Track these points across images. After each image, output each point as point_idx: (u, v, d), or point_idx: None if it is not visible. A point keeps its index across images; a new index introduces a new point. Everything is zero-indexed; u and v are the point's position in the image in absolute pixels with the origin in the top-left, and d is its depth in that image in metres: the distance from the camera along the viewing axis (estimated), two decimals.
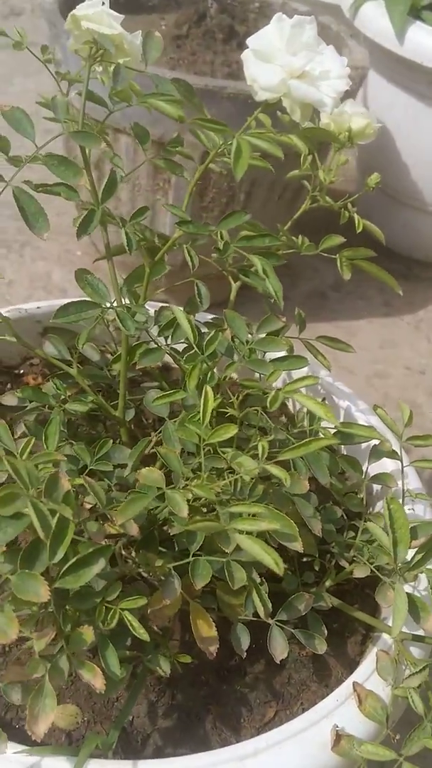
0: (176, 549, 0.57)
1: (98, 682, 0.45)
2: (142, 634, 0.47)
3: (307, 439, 0.53)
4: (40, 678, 0.45)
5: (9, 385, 0.80)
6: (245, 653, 0.58)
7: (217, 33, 1.39)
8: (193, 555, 0.53)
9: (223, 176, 1.29)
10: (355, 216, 0.77)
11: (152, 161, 0.68)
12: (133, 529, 0.50)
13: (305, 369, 0.78)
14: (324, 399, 0.80)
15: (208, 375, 0.58)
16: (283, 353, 0.66)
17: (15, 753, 0.48)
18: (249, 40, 0.55)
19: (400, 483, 0.67)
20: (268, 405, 0.56)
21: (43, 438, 0.58)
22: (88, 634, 0.46)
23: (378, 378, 1.57)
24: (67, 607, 0.47)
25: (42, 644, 0.46)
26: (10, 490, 0.42)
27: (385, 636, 0.61)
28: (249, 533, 0.49)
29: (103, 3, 0.68)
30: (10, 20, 2.67)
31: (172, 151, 0.66)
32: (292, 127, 0.60)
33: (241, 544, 0.47)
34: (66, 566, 0.45)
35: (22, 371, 0.82)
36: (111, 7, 1.46)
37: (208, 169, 0.64)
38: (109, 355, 0.74)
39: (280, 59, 0.53)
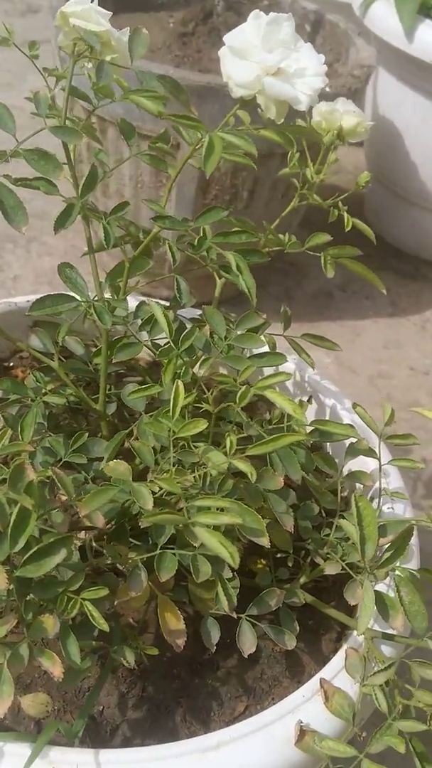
0: (149, 542, 0.57)
1: (56, 671, 0.46)
2: (102, 624, 0.48)
3: (276, 435, 0.54)
4: (0, 666, 0.46)
5: None
6: (215, 647, 0.58)
7: (222, 30, 1.39)
8: (163, 548, 0.53)
9: (225, 174, 1.30)
10: (345, 214, 0.77)
11: (139, 155, 0.69)
12: (99, 521, 0.50)
13: (289, 365, 0.78)
14: (310, 397, 0.80)
15: (183, 369, 0.59)
16: (264, 349, 0.67)
17: None
18: (226, 37, 0.55)
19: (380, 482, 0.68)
20: (236, 401, 0.56)
21: (19, 429, 0.59)
22: (49, 622, 0.47)
23: (381, 378, 1.56)
24: (30, 595, 0.48)
25: (2, 631, 0.46)
26: None
27: (357, 635, 0.61)
28: (215, 527, 0.49)
29: (92, 0, 0.68)
30: (27, 17, 2.69)
31: (155, 147, 0.66)
32: (270, 124, 0.60)
33: (200, 537, 0.48)
34: (27, 555, 0.46)
35: (11, 364, 0.83)
36: (119, 7, 1.48)
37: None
38: (93, 350, 0.75)
39: (255, 56, 0.54)
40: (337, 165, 2.17)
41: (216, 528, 0.48)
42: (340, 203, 0.77)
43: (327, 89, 1.24)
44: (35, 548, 0.46)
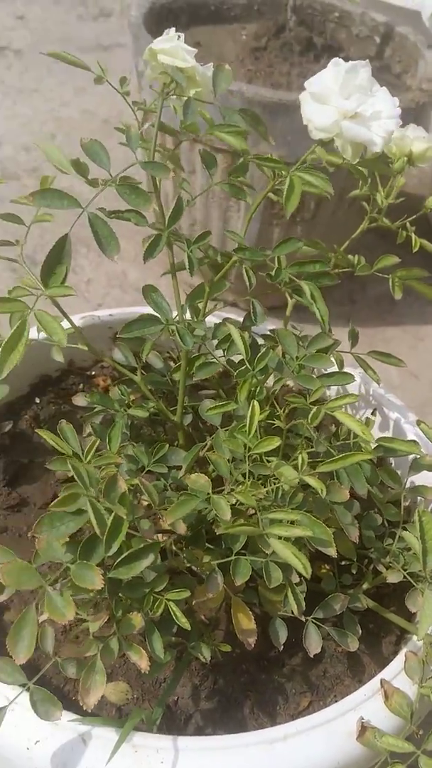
0: (223, 547, 0.62)
1: (143, 664, 0.51)
2: (184, 623, 0.53)
3: (345, 454, 0.58)
4: (93, 656, 0.51)
5: (81, 386, 0.87)
6: (282, 646, 0.63)
7: (294, 45, 1.43)
8: (237, 554, 0.58)
9: None
10: (413, 236, 0.80)
11: (219, 185, 0.73)
12: (181, 528, 0.55)
13: (356, 383, 0.82)
14: (374, 410, 0.84)
15: (257, 389, 0.63)
16: (333, 368, 0.71)
17: (69, 720, 0.55)
18: (307, 83, 0.59)
19: None
20: (309, 420, 0.60)
21: (107, 440, 0.64)
22: (137, 619, 0.52)
23: None
24: (120, 594, 0.53)
25: (96, 626, 0.52)
26: (73, 490, 0.48)
27: (416, 639, 0.65)
28: (285, 538, 0.54)
29: (179, 37, 0.73)
30: (99, 21, 2.76)
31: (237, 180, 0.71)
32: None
33: (275, 548, 0.52)
34: (119, 559, 0.51)
35: (93, 373, 0.89)
36: (194, 20, 1.54)
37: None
38: (171, 363, 0.80)
39: (334, 101, 0.58)
40: (419, 172, 2.18)
41: (287, 539, 0.53)
42: (407, 224, 0.81)
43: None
44: (126, 553, 0.51)
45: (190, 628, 0.53)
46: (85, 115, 2.17)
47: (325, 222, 1.42)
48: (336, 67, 0.58)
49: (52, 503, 0.49)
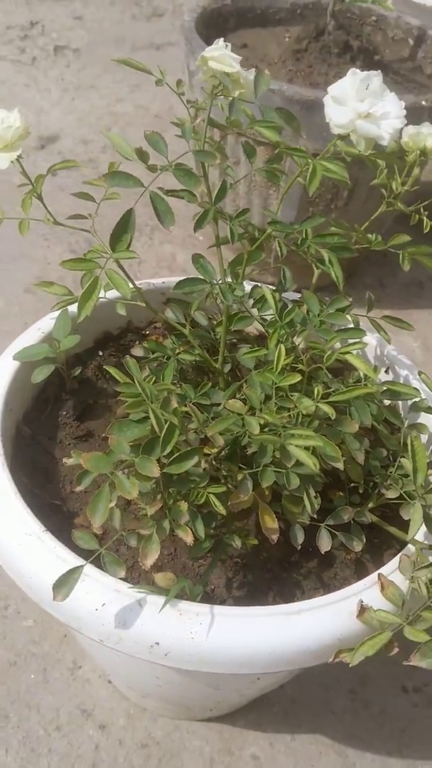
0: (253, 467, 0.77)
1: (189, 538, 0.66)
2: (221, 509, 0.68)
3: (352, 387, 0.72)
4: (150, 532, 0.67)
5: (137, 342, 1.02)
6: (299, 546, 0.77)
7: (332, 47, 1.56)
8: (263, 467, 0.72)
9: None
10: (424, 219, 0.94)
11: (258, 171, 0.88)
12: (220, 441, 0.70)
13: (371, 342, 0.96)
14: (387, 368, 0.97)
15: (284, 338, 0.78)
16: (349, 326, 0.85)
17: (129, 588, 0.70)
18: (329, 88, 0.73)
19: None
20: (324, 360, 0.75)
21: (161, 377, 0.79)
22: (184, 506, 0.67)
23: None
24: (171, 488, 0.68)
25: (152, 510, 0.67)
26: (138, 399, 0.64)
27: (411, 547, 0.79)
28: (303, 448, 0.68)
29: (226, 46, 0.87)
30: (153, 21, 2.91)
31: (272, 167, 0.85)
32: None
33: (291, 451, 0.67)
34: (172, 458, 0.66)
35: (147, 332, 1.04)
36: (241, 23, 1.72)
37: None
38: (215, 323, 0.95)
39: (350, 104, 0.72)
40: (430, 163, 2.30)
41: (305, 448, 0.67)
42: (421, 209, 0.94)
43: (424, 102, 1.41)
44: (177, 453, 0.66)
45: (225, 513, 0.68)
46: (139, 111, 2.33)
47: (357, 210, 1.56)
48: (353, 75, 0.72)
49: (124, 406, 0.64)
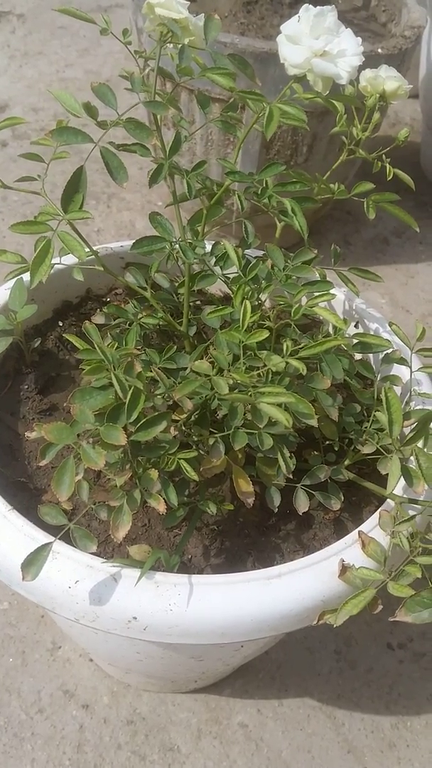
0: (224, 430, 0.74)
1: (161, 507, 0.63)
2: (193, 475, 0.65)
3: (322, 340, 0.69)
4: (121, 503, 0.64)
5: (98, 310, 0.98)
6: (276, 508, 0.75)
7: None
8: (235, 429, 0.70)
9: (286, 132, 1.43)
10: (387, 166, 0.90)
11: (213, 122, 0.84)
12: (188, 405, 0.67)
13: (339, 296, 0.93)
14: (357, 323, 0.95)
15: (249, 294, 0.74)
16: (315, 278, 0.82)
17: (102, 563, 0.67)
18: (282, 26, 0.70)
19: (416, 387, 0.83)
20: (291, 314, 0.72)
21: (124, 342, 0.76)
22: (154, 474, 0.64)
23: None
24: (140, 456, 0.65)
25: (121, 481, 0.64)
26: (99, 364, 0.60)
27: (390, 503, 0.77)
28: (275, 405, 0.65)
29: None
30: None
31: (227, 116, 0.81)
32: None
33: (263, 409, 0.64)
34: (139, 425, 0.63)
35: (108, 299, 1.01)
36: None
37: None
38: (177, 285, 0.91)
39: (305, 42, 0.68)
40: (395, 117, 2.27)
41: (276, 405, 0.65)
42: (383, 156, 0.91)
43: (380, 50, 1.37)
44: (144, 420, 0.63)
45: (198, 479, 0.65)
46: (89, 76, 2.26)
47: (317, 166, 1.52)
48: (306, 12, 0.68)
49: (82, 372, 0.61)
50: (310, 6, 0.69)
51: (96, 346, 0.62)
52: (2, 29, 2.48)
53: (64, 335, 0.92)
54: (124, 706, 1.03)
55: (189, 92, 1.41)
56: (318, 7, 0.68)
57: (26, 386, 0.88)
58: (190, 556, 0.76)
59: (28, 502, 0.76)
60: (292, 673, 1.10)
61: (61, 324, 0.96)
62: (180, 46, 0.78)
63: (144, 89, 0.80)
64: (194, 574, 0.69)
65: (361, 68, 0.76)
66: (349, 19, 1.61)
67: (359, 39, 0.70)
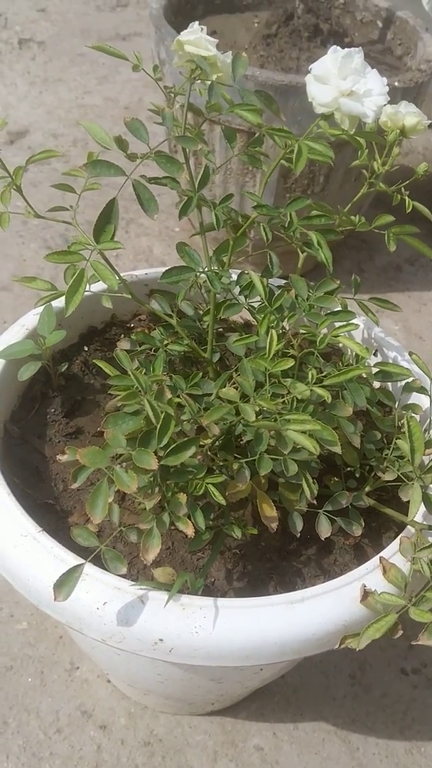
0: (249, 456, 0.76)
1: (189, 530, 0.65)
2: (220, 499, 0.66)
3: (345, 369, 0.71)
4: (150, 526, 0.65)
5: (123, 336, 1.00)
6: (299, 533, 0.76)
7: (302, 31, 1.55)
8: (260, 455, 0.71)
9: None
10: (406, 198, 0.93)
11: (239, 156, 0.86)
12: (215, 430, 0.69)
13: (358, 324, 0.95)
14: (376, 351, 0.97)
15: (275, 323, 0.76)
16: (337, 308, 0.84)
17: (131, 585, 0.68)
18: (311, 66, 0.72)
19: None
20: (317, 344, 0.74)
21: (152, 369, 0.78)
22: (183, 498, 0.66)
23: None
24: (169, 480, 0.67)
25: (151, 504, 0.66)
26: (132, 391, 0.62)
27: (410, 529, 0.78)
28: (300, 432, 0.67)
29: (201, 30, 0.85)
30: (117, 11, 2.88)
31: (253, 151, 0.84)
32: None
33: (289, 435, 0.66)
34: (169, 450, 0.65)
35: (132, 325, 1.03)
36: (209, 9, 1.70)
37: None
38: (201, 312, 0.93)
39: (333, 82, 0.71)
40: (408, 147, 2.31)
41: (302, 432, 0.66)
42: (402, 189, 0.93)
43: (396, 84, 1.40)
44: (174, 445, 0.65)
45: (224, 503, 0.67)
46: (108, 103, 2.30)
47: (333, 195, 1.55)
48: (335, 53, 0.71)
49: (116, 399, 0.62)
50: (338, 48, 0.71)
51: (129, 372, 0.64)
52: (23, 56, 2.53)
53: (91, 360, 0.94)
54: (142, 728, 1.04)
55: (210, 123, 1.44)
56: (346, 49, 0.71)
57: (53, 409, 0.90)
58: (213, 580, 0.77)
59: (56, 523, 0.78)
60: (308, 696, 1.11)
61: (86, 349, 0.98)
62: (209, 83, 0.81)
63: (174, 124, 0.83)
64: (217, 597, 0.71)
65: None
66: (365, 52, 1.64)
67: (385, 79, 0.72)
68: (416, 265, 1.90)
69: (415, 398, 0.85)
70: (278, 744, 1.05)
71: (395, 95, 1.43)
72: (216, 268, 0.82)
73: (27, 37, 2.64)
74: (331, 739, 1.07)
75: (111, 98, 2.34)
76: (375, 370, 0.82)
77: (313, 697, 1.11)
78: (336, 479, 0.84)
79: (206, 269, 0.80)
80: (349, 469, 0.82)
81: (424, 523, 0.76)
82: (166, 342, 0.85)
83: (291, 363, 0.71)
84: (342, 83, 0.70)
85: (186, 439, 0.65)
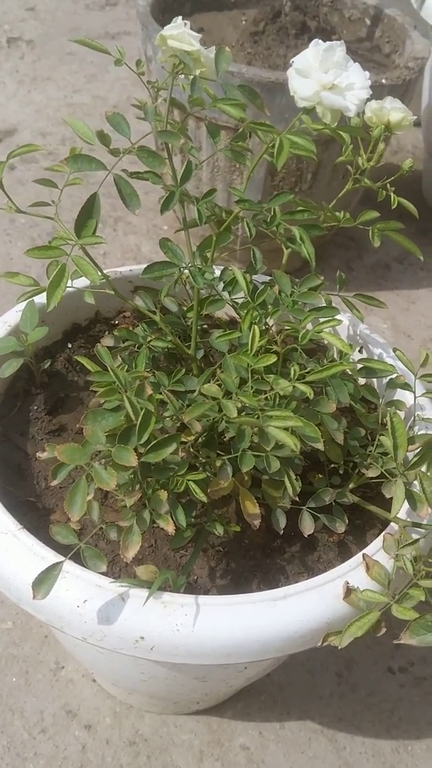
0: (230, 452, 0.75)
1: (170, 528, 0.64)
2: (201, 497, 0.66)
3: (328, 365, 0.71)
4: (130, 523, 0.65)
5: (107, 332, 0.99)
6: (282, 530, 0.76)
7: (290, 29, 1.55)
8: (242, 451, 0.71)
9: (291, 159, 1.46)
10: (392, 194, 0.92)
11: (222, 151, 0.86)
12: (197, 426, 0.68)
13: (343, 321, 0.95)
14: (361, 347, 0.96)
15: (258, 319, 0.76)
16: (321, 304, 0.83)
17: (111, 582, 0.68)
18: (292, 60, 0.72)
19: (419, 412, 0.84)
20: (299, 339, 0.73)
21: (134, 365, 0.77)
22: (163, 495, 0.65)
23: None
24: (149, 477, 0.66)
25: (131, 501, 0.65)
26: (111, 387, 0.61)
27: (394, 526, 0.78)
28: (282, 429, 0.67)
29: (185, 24, 0.85)
30: (106, 10, 2.87)
31: (237, 145, 0.83)
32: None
33: (271, 432, 0.65)
34: (149, 446, 0.64)
35: (116, 322, 1.02)
36: (196, 7, 1.69)
37: None
38: (185, 309, 0.93)
39: (315, 75, 0.70)
40: (397, 145, 2.31)
41: (284, 429, 0.66)
42: (388, 185, 0.93)
43: (384, 81, 1.40)
44: (154, 441, 0.64)
45: (205, 500, 0.66)
46: (97, 101, 2.29)
47: (321, 193, 1.54)
48: (316, 47, 0.70)
49: (96, 395, 0.62)
50: (320, 41, 0.71)
51: (109, 368, 0.64)
52: (12, 55, 2.52)
53: (74, 357, 0.94)
54: (127, 727, 1.03)
55: (196, 119, 1.43)
56: (327, 42, 0.70)
57: (35, 407, 0.90)
58: (196, 577, 0.77)
59: (37, 521, 0.77)
60: (294, 695, 1.11)
61: (70, 346, 0.98)
62: (192, 77, 0.81)
63: (156, 119, 0.82)
64: (200, 594, 0.70)
65: (366, 99, 0.79)
66: (353, 50, 1.64)
67: (367, 73, 0.72)
68: (405, 263, 1.90)
69: (399, 395, 0.85)
70: (264, 743, 1.05)
71: (383, 93, 1.43)
72: (199, 263, 0.82)
73: (16, 35, 2.63)
74: (318, 738, 1.07)
75: (100, 96, 2.33)
76: (359, 366, 0.81)
77: (300, 696, 1.11)
78: (320, 476, 0.83)
79: (189, 264, 0.79)
80: (333, 465, 0.81)
81: (408, 519, 0.76)
82: (149, 338, 0.84)
83: (274, 359, 0.71)
84: (323, 76, 0.69)
85: (167, 435, 0.64)
